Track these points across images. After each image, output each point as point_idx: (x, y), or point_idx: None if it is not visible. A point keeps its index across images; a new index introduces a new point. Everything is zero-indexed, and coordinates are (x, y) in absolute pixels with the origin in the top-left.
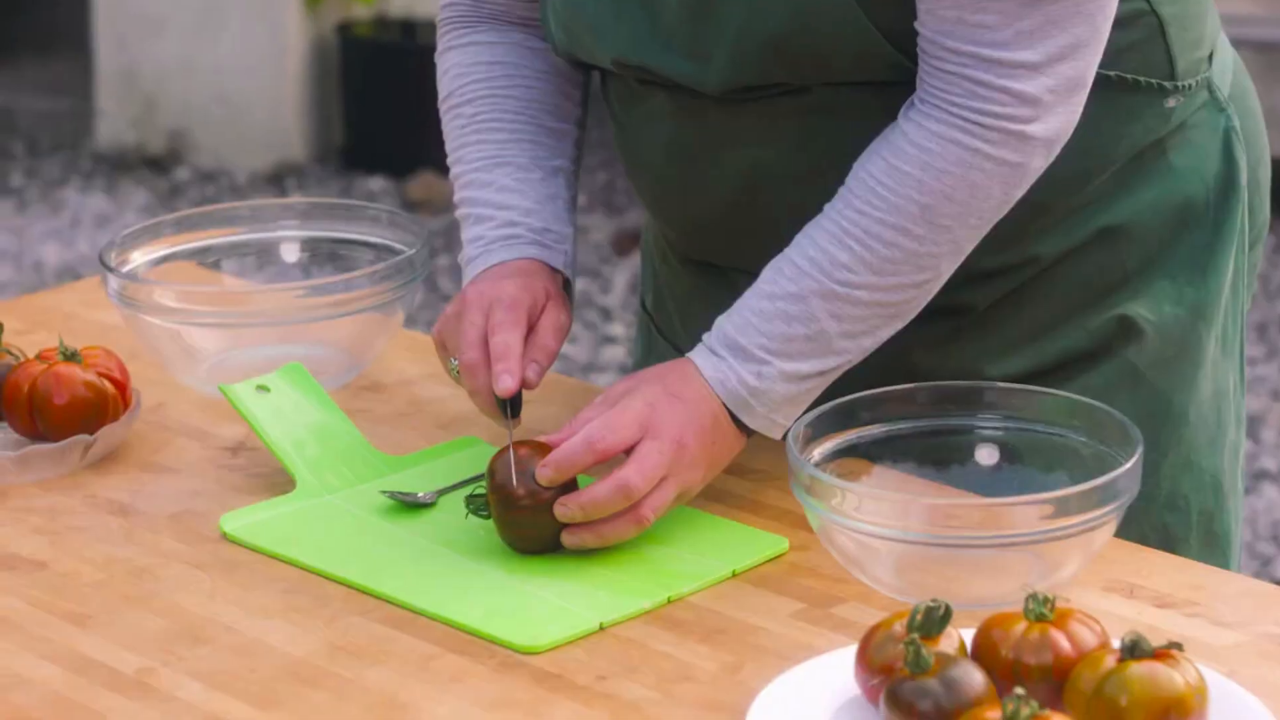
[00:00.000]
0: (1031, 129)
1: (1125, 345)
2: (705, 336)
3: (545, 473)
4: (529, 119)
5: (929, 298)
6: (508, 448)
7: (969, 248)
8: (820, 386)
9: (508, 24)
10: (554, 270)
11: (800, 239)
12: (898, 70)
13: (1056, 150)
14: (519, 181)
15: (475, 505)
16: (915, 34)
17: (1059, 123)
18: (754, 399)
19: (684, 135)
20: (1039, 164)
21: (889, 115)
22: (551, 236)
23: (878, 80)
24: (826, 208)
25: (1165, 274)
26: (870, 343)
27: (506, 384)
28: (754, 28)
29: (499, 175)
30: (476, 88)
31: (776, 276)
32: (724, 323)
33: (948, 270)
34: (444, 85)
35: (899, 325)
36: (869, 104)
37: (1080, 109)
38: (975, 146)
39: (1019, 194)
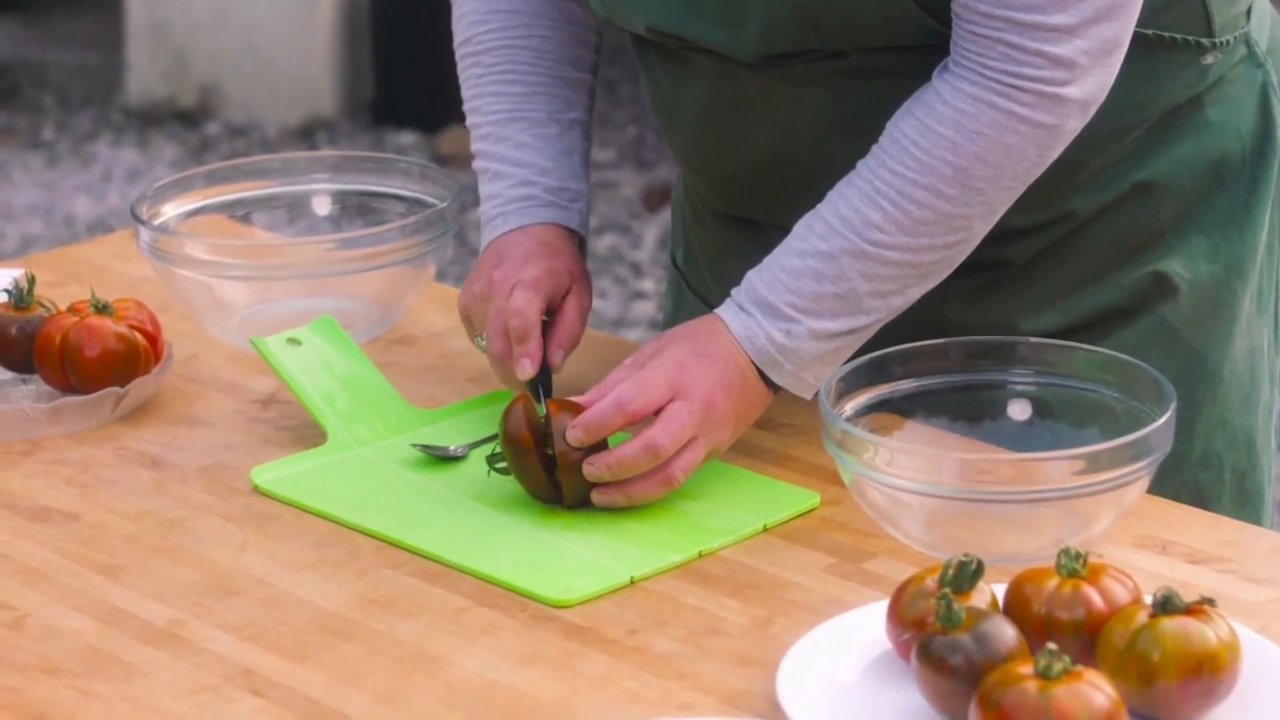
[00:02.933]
0: (1066, 91)
1: (1160, 302)
2: (734, 292)
3: (575, 434)
4: (544, 70)
5: (961, 258)
6: (517, 400)
7: (1002, 209)
8: (851, 346)
9: None
10: (571, 233)
11: (832, 196)
12: (929, 34)
13: (1092, 111)
14: (535, 138)
15: (496, 461)
16: None
17: (1095, 84)
18: (782, 356)
19: (719, 95)
20: (1074, 125)
21: (922, 75)
22: (567, 195)
23: (909, 45)
24: (859, 165)
25: (1201, 230)
26: (900, 302)
27: (526, 369)
28: None
29: (515, 130)
30: (493, 36)
31: (807, 234)
32: (754, 279)
33: (980, 231)
34: (459, 30)
35: (930, 285)
36: (902, 66)
37: (1116, 69)
38: (1010, 109)
39: (1054, 155)
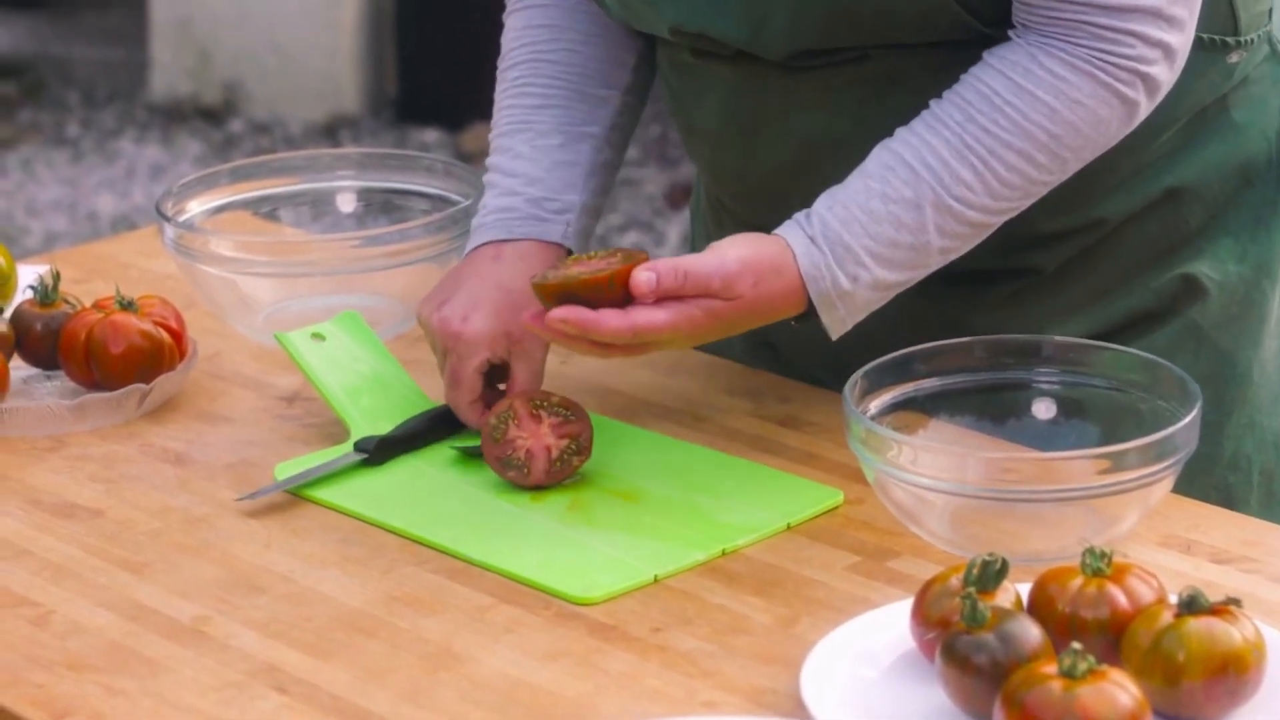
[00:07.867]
0: (1155, 70)
1: (1189, 305)
2: (800, 218)
3: (562, 321)
4: (564, 84)
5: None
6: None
7: (1061, 181)
8: (890, 297)
9: None
10: (551, 246)
11: (912, 140)
12: (961, 29)
13: (1164, 93)
14: (535, 149)
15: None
16: None
17: (1174, 66)
18: (841, 302)
19: (741, 104)
20: (1148, 106)
21: (948, 79)
22: (553, 206)
23: (939, 40)
24: (939, 112)
25: (1228, 231)
26: (953, 257)
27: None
28: None
29: (517, 141)
30: (521, 52)
31: (888, 175)
32: (826, 215)
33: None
34: (503, 45)
35: (974, 244)
36: (932, 66)
37: (1186, 53)
38: (1108, 83)
39: (1125, 133)
